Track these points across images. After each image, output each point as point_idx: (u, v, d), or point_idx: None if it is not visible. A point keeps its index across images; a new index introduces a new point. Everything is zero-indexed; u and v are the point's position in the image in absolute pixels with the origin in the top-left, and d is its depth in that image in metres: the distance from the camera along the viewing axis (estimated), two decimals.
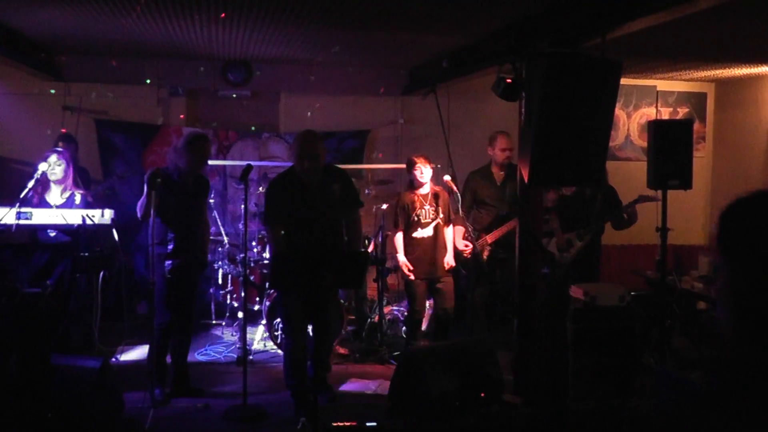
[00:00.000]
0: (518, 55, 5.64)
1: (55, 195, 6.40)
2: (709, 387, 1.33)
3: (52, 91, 8.43)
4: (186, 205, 5.74)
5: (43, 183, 6.25)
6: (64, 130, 8.02)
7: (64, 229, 6.21)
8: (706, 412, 1.27)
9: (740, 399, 1.22)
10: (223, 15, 6.18)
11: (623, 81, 9.21)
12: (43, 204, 6.25)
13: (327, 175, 5.76)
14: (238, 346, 7.04)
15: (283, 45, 7.67)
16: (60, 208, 6.18)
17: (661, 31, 5.45)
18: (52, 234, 6.25)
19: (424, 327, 7.31)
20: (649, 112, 9.68)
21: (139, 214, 5.60)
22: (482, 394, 5.55)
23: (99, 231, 6.20)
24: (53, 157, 6.30)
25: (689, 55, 7.82)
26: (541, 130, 5.06)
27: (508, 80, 5.77)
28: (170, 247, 5.63)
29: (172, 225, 5.58)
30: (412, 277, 6.68)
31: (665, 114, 9.77)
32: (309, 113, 8.95)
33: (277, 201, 5.73)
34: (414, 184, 6.72)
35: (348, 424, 5.13)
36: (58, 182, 6.37)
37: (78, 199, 6.42)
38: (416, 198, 6.70)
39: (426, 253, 6.66)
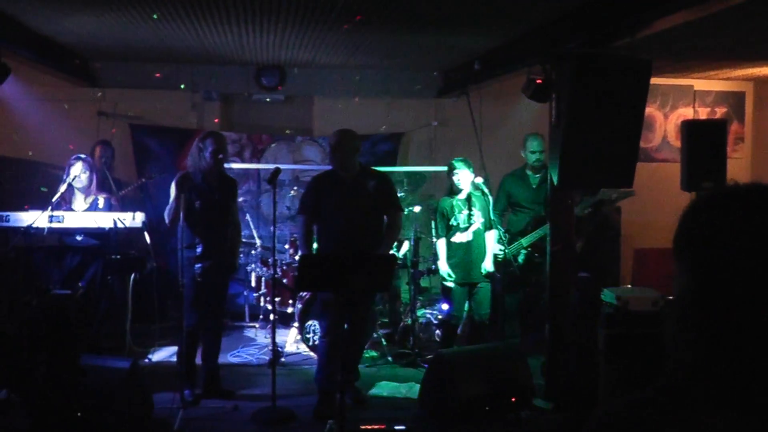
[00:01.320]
0: (548, 56, 5.59)
1: (79, 201, 6.51)
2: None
3: (99, 94, 8.55)
4: (212, 207, 5.77)
5: (68, 189, 6.35)
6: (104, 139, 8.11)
7: (93, 233, 6.28)
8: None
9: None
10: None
11: (660, 81, 9.19)
12: (68, 210, 6.35)
13: (363, 174, 5.82)
14: (270, 348, 7.05)
15: (315, 49, 7.70)
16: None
17: (695, 29, 5.36)
18: (79, 238, 6.32)
19: (458, 331, 7.27)
20: (686, 113, 9.49)
21: (167, 220, 5.66)
22: (512, 399, 5.49)
23: (131, 234, 6.27)
24: (79, 165, 6.39)
25: (726, 53, 7.66)
26: (570, 132, 5.00)
27: (538, 81, 5.74)
28: (199, 250, 5.66)
29: (200, 228, 5.60)
30: (451, 284, 6.65)
31: (703, 114, 9.57)
32: (342, 117, 8.95)
33: (310, 193, 5.86)
34: (453, 189, 6.67)
35: (376, 427, 5.11)
36: (82, 189, 6.47)
37: (102, 203, 6.51)
38: (454, 203, 6.65)
39: (464, 258, 6.60)
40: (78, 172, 6.34)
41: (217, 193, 5.84)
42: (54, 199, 6.07)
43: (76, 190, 6.46)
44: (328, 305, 5.68)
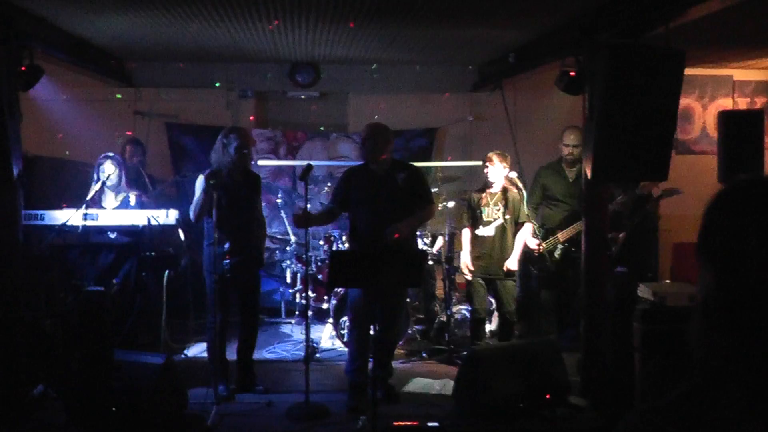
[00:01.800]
0: (581, 48, 5.52)
1: (110, 199, 6.60)
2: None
3: (118, 96, 8.66)
4: (239, 203, 5.78)
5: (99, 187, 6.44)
6: (129, 133, 8.20)
7: (127, 231, 6.34)
8: None
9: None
10: (276, 22, 6.24)
11: (698, 71, 9.01)
12: (99, 208, 6.43)
13: (394, 168, 5.83)
14: (305, 344, 7.08)
15: (349, 45, 7.69)
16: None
17: (731, 16, 5.23)
18: (113, 236, 6.38)
19: (492, 327, 7.22)
20: (725, 104, 9.25)
21: (192, 216, 5.69)
22: (547, 396, 5.43)
23: (165, 231, 6.32)
24: (109, 163, 6.46)
25: (765, 40, 7.47)
26: (603, 124, 4.92)
27: (572, 73, 5.67)
28: (227, 246, 5.66)
29: (227, 224, 5.61)
30: (469, 276, 6.60)
31: (742, 105, 9.32)
32: (376, 114, 8.94)
33: (340, 185, 5.95)
34: (486, 183, 6.62)
35: (409, 423, 5.08)
36: (112, 187, 6.54)
37: (133, 200, 6.59)
38: (484, 196, 6.60)
39: (487, 252, 6.55)
40: (109, 171, 6.41)
41: (243, 189, 5.85)
42: (88, 197, 6.15)
43: (106, 188, 6.54)
44: (357, 300, 5.68)
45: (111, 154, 6.56)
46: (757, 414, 1.04)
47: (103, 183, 6.39)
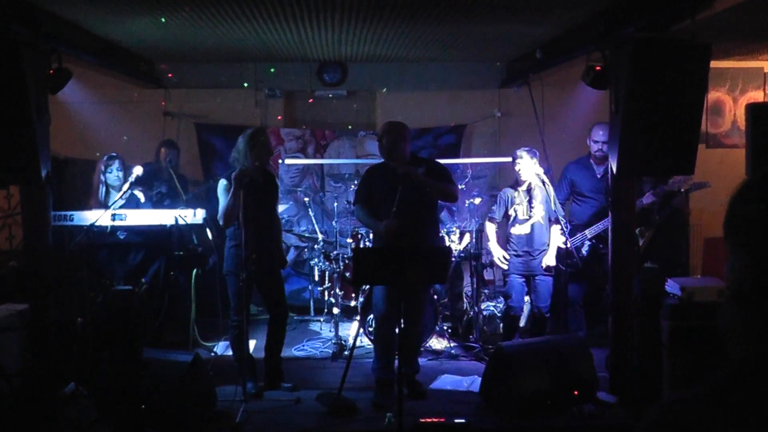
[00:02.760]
0: (607, 42, 5.47)
1: (113, 199, 6.59)
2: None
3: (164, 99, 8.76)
4: (260, 203, 5.81)
5: (104, 188, 6.48)
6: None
7: (154, 230, 6.38)
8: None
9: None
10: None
11: (728, 64, 8.88)
12: (105, 208, 6.42)
13: (413, 163, 5.84)
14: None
15: (376, 43, 7.71)
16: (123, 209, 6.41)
17: (759, 7, 5.15)
18: (122, 236, 6.40)
19: (522, 323, 7.19)
20: (756, 96, 9.08)
21: (222, 221, 5.72)
22: (575, 393, 5.40)
23: (193, 230, 6.39)
24: (116, 164, 6.50)
25: None
26: (628, 118, 4.89)
27: (597, 68, 5.63)
28: (249, 246, 5.66)
29: (250, 224, 5.63)
30: (504, 266, 6.62)
31: None
32: (404, 112, 8.94)
33: (363, 183, 6.01)
34: (518, 180, 6.61)
35: (436, 420, 5.08)
36: (116, 188, 6.53)
37: (142, 197, 6.60)
38: (516, 193, 6.59)
39: (523, 249, 6.54)
40: (114, 171, 6.46)
41: (263, 189, 5.89)
42: (118, 196, 6.23)
43: (110, 189, 6.53)
44: (381, 297, 5.70)
45: (114, 153, 6.61)
46: None
47: (105, 183, 6.43)
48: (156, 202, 6.86)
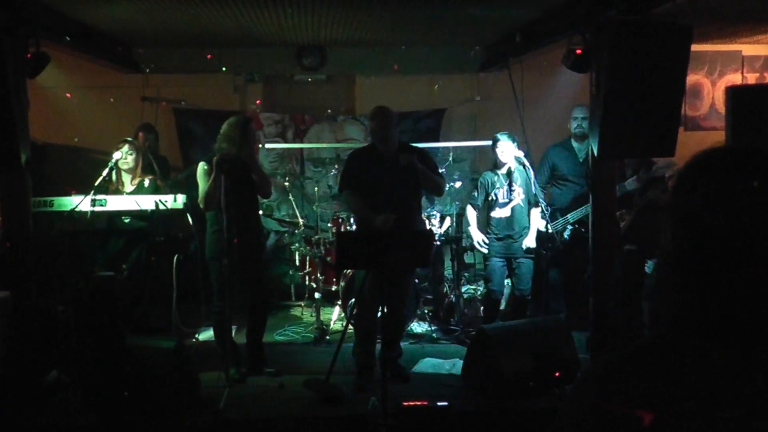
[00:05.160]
0: (587, 25, 5.49)
1: (126, 182, 6.68)
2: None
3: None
4: (242, 188, 5.78)
5: (116, 171, 6.49)
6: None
7: (139, 215, 6.40)
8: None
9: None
10: None
11: (707, 47, 8.94)
12: (118, 190, 6.51)
13: (402, 150, 5.83)
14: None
15: (355, 27, 7.67)
16: (131, 195, 6.43)
17: None
18: (127, 220, 6.45)
19: (501, 307, 7.23)
20: (734, 79, 9.17)
21: (203, 204, 5.69)
22: (557, 374, 5.44)
23: (174, 216, 6.36)
24: (125, 147, 6.53)
25: None
26: (609, 101, 4.91)
27: (578, 51, 5.64)
28: (230, 231, 5.62)
29: (231, 210, 5.59)
30: (484, 250, 6.63)
31: (752, 80, 9.23)
32: (384, 95, 8.92)
33: (350, 168, 5.96)
34: (496, 163, 6.62)
35: (419, 403, 5.11)
36: (128, 171, 6.61)
37: (147, 183, 6.65)
38: (496, 177, 6.61)
39: (504, 232, 6.57)
40: (124, 154, 6.47)
41: (245, 174, 5.85)
42: (97, 183, 6.19)
43: (123, 172, 6.60)
44: (365, 281, 5.71)
45: (129, 138, 6.63)
46: (709, 363, 1.11)
47: (115, 167, 6.43)
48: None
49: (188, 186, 7.22)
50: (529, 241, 6.56)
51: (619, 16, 5.15)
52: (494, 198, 6.61)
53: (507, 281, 6.95)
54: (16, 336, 5.38)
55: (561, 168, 7.08)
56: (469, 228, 6.81)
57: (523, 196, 6.55)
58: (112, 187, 6.49)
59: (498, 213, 6.60)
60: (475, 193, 6.80)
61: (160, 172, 6.93)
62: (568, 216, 6.89)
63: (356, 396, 5.48)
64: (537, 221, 6.59)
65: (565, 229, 6.92)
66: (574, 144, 7.06)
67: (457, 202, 7.59)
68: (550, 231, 6.50)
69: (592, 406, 1.16)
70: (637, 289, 5.31)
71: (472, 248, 7.41)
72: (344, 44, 8.92)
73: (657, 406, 1.10)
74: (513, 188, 6.54)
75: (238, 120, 5.84)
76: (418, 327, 7.26)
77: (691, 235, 1.15)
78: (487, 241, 6.64)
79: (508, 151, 6.47)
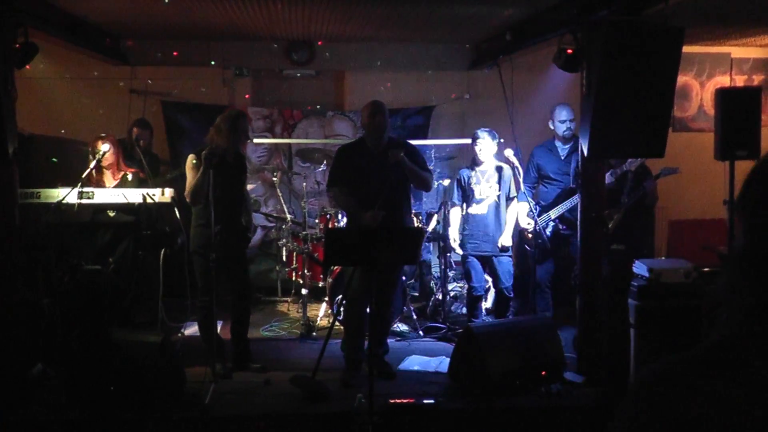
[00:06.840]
0: (579, 25, 5.49)
1: (108, 177, 6.60)
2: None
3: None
4: (230, 183, 5.76)
5: (97, 167, 6.43)
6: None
7: (125, 209, 6.36)
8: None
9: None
10: None
11: (696, 49, 8.97)
12: (100, 186, 6.45)
13: (390, 145, 5.82)
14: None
15: (345, 23, 7.64)
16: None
17: None
18: (112, 214, 6.40)
19: (488, 304, 7.24)
20: (723, 81, 9.20)
21: (189, 198, 5.64)
22: (543, 373, 5.47)
23: (162, 209, 6.32)
24: (103, 143, 6.45)
25: (763, 18, 7.43)
26: (600, 101, 4.93)
27: (569, 51, 5.65)
28: (217, 227, 5.51)
29: (219, 204, 5.54)
30: (458, 251, 6.69)
31: (740, 82, 9.27)
32: (374, 91, 8.90)
33: (338, 164, 5.93)
34: (475, 160, 6.64)
35: (405, 401, 5.11)
36: (108, 167, 6.54)
37: (130, 177, 6.60)
38: (474, 174, 6.62)
39: (480, 229, 6.58)
40: (104, 150, 6.40)
41: (233, 169, 5.85)
42: (84, 175, 6.13)
43: (103, 168, 6.53)
44: (352, 277, 5.69)
45: (103, 135, 6.54)
46: None
47: (99, 162, 6.37)
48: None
49: (181, 184, 7.20)
50: (505, 239, 6.57)
51: (611, 17, 5.17)
52: (470, 194, 6.62)
53: (489, 278, 6.97)
54: (1, 329, 5.33)
55: (545, 167, 7.11)
56: (449, 228, 6.81)
57: (498, 194, 6.56)
58: (93, 182, 6.41)
59: (474, 209, 6.63)
60: (454, 191, 6.81)
61: (150, 169, 6.85)
62: (551, 212, 6.92)
63: (342, 393, 5.47)
64: (514, 218, 6.61)
65: (548, 225, 6.94)
66: (557, 143, 7.09)
67: (444, 200, 7.58)
68: (537, 228, 6.51)
69: (660, 410, 1.11)
70: (625, 288, 5.31)
71: None
72: (334, 40, 8.89)
73: (727, 411, 1.05)
74: (489, 185, 6.56)
75: (231, 113, 5.84)
76: (404, 324, 7.25)
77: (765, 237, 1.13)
78: (458, 242, 6.65)
79: (486, 148, 6.50)
